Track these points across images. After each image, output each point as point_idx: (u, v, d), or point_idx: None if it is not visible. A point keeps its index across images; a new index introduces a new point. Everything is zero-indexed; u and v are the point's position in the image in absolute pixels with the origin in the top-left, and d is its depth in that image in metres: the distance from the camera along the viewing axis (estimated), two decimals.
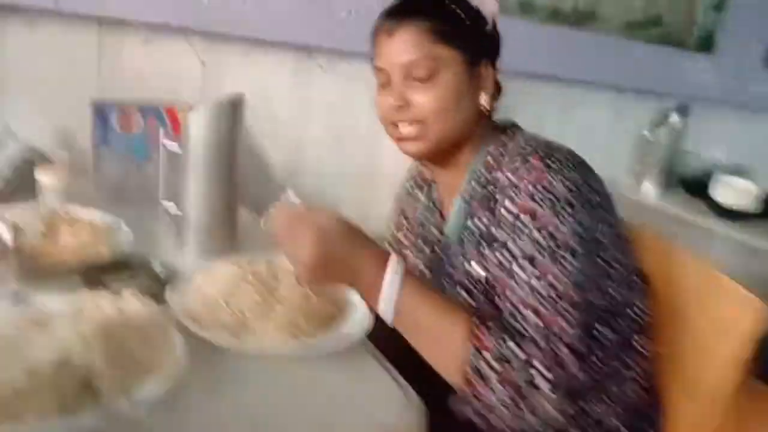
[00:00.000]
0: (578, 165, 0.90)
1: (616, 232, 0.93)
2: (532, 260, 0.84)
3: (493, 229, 0.93)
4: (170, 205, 1.26)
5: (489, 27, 1.02)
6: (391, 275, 0.83)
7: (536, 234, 0.85)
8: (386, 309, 0.83)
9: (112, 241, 1.14)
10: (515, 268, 0.86)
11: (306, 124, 1.82)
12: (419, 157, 1.04)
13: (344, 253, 0.83)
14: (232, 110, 1.18)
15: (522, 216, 0.86)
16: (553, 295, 0.82)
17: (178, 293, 0.97)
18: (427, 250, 1.12)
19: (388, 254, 0.85)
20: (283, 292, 0.95)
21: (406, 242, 1.19)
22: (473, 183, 1.00)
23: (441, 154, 1.02)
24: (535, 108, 2.05)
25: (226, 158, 1.20)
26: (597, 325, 0.87)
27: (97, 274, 1.01)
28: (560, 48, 2.08)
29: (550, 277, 0.83)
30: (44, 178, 1.29)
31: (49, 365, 0.71)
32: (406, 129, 0.99)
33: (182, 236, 1.22)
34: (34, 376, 0.70)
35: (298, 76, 1.77)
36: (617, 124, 2.36)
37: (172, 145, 1.22)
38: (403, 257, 1.17)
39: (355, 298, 0.99)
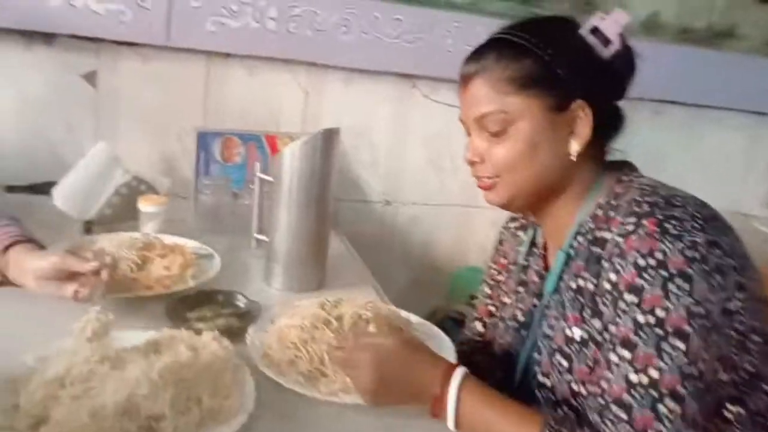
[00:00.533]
0: (706, 224, 0.76)
1: (754, 296, 0.78)
2: (632, 348, 0.73)
3: (597, 299, 0.81)
4: (261, 237, 1.24)
5: (609, 48, 0.87)
6: (455, 389, 0.79)
7: (640, 317, 0.73)
8: (452, 422, 0.79)
9: (201, 273, 1.13)
10: (612, 356, 0.75)
11: (405, 152, 1.77)
12: (503, 208, 0.94)
13: (403, 373, 0.82)
14: (326, 143, 1.15)
15: (626, 294, 0.75)
16: (654, 393, 0.71)
17: (258, 333, 0.93)
18: (527, 299, 1.00)
19: (450, 366, 0.82)
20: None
21: (504, 287, 1.08)
22: (579, 238, 0.88)
23: (529, 206, 0.93)
24: (658, 135, 1.87)
25: (318, 191, 1.16)
26: (727, 404, 0.76)
27: (182, 308, 1.00)
28: (690, 70, 1.89)
29: (651, 371, 0.71)
30: (145, 206, 1.32)
31: (115, 408, 0.69)
32: (482, 182, 0.91)
33: (271, 269, 1.19)
34: (97, 419, 0.68)
35: (399, 105, 1.72)
36: (753, 151, 2.10)
37: (266, 177, 1.20)
38: (501, 302, 1.06)
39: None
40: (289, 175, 1.14)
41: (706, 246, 0.74)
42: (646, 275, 0.73)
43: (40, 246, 1.05)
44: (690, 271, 0.72)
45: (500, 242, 1.12)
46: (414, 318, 1.04)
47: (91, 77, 1.47)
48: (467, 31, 1.61)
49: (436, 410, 0.79)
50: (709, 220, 0.77)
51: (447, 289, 1.79)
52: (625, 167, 0.91)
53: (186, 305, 1.01)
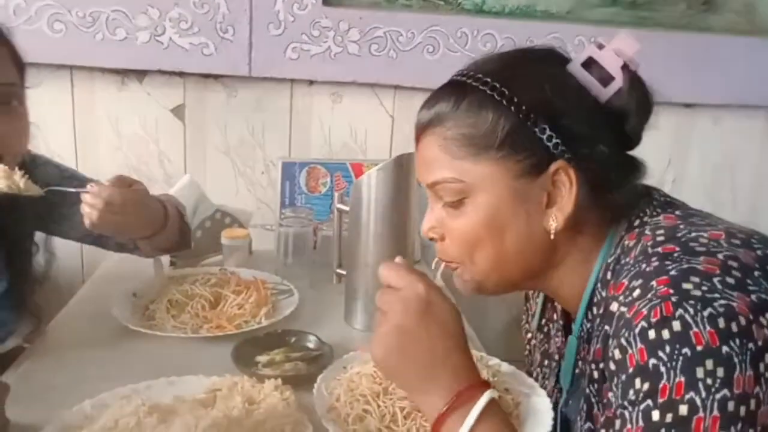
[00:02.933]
0: (747, 277, 0.55)
1: None
2: None
3: (605, 386, 0.62)
4: (342, 272, 1.16)
5: (610, 87, 0.66)
6: (478, 411, 0.61)
7: (655, 414, 0.53)
8: None
9: (276, 312, 1.07)
10: None
11: None
12: (476, 294, 0.74)
13: (429, 348, 0.64)
14: (405, 168, 1.05)
15: (636, 380, 0.55)
16: None
17: (328, 381, 0.84)
18: (552, 378, 0.83)
19: (482, 382, 0.64)
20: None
21: (536, 354, 0.91)
22: (593, 311, 0.69)
23: (513, 287, 0.74)
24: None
25: (397, 221, 1.06)
26: None
27: (250, 350, 0.93)
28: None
29: None
30: (228, 240, 1.29)
31: None
32: (447, 265, 0.73)
33: (350, 306, 1.11)
34: None
35: None
36: None
37: (344, 207, 1.12)
38: (533, 377, 0.89)
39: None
40: (366, 205, 1.05)
41: (748, 311, 0.53)
42: (661, 354, 0.53)
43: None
44: (726, 349, 0.52)
45: (525, 298, 0.95)
46: (506, 366, 0.91)
47: (179, 111, 1.48)
48: (567, 42, 1.47)
49: (440, 423, 0.62)
50: (754, 269, 0.56)
51: None
52: (641, 203, 0.69)
53: (255, 347, 0.94)
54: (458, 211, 0.68)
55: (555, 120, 0.64)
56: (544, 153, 0.65)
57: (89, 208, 0.92)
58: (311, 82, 1.49)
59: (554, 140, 0.64)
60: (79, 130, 1.47)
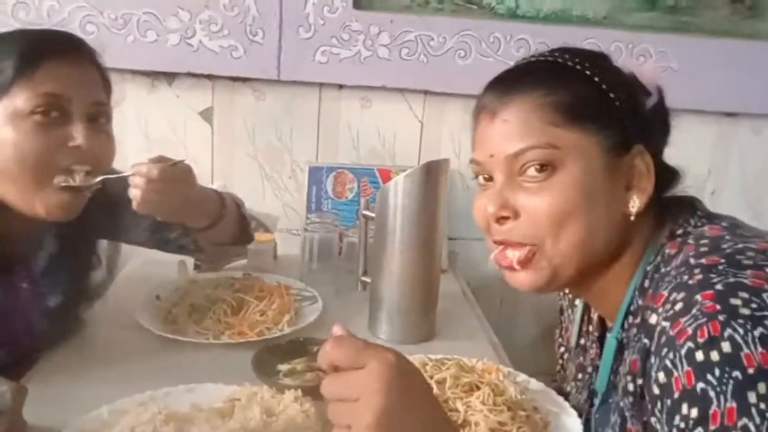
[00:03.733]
0: None
1: None
2: None
3: (650, 409, 0.57)
4: (367, 279, 1.13)
5: (650, 100, 0.67)
6: None
7: None
8: None
9: (299, 319, 1.06)
10: None
11: None
12: (538, 292, 0.69)
13: (422, 427, 0.52)
14: (433, 176, 1.02)
15: (684, 405, 0.51)
16: None
17: None
18: (585, 392, 0.79)
19: None
20: (475, 417, 0.73)
21: (566, 371, 0.86)
22: (630, 318, 0.65)
23: (573, 284, 0.69)
24: None
25: (424, 229, 1.04)
26: None
27: (271, 359, 0.91)
28: None
29: None
30: (253, 244, 1.28)
31: None
32: (511, 253, 0.66)
33: (375, 316, 1.08)
34: None
35: None
36: None
37: (370, 213, 1.10)
38: (565, 392, 0.85)
39: None
40: (392, 212, 1.02)
41: None
42: (710, 377, 0.50)
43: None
44: None
45: (560, 311, 0.91)
46: (534, 383, 0.87)
47: (207, 114, 1.48)
48: (604, 48, 1.42)
49: None
50: None
51: None
52: (684, 211, 0.67)
53: (277, 355, 0.92)
54: (544, 183, 0.64)
55: (634, 106, 0.65)
56: (626, 132, 0.65)
57: (135, 189, 0.92)
58: (340, 87, 1.47)
59: (635, 123, 0.65)
60: None
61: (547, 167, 0.63)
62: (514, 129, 0.65)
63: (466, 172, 1.55)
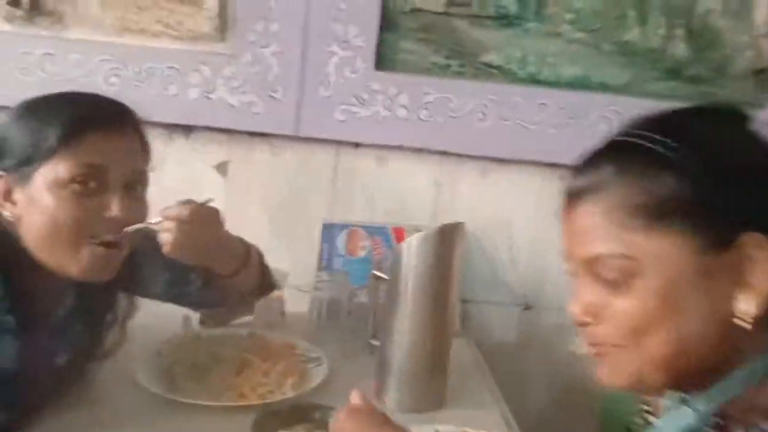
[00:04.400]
0: None
1: None
2: None
3: None
4: (377, 343, 1.09)
5: None
6: None
7: None
8: None
9: (303, 382, 1.01)
10: None
11: (551, 251, 1.55)
12: (625, 390, 0.63)
13: None
14: (448, 238, 1.00)
15: None
16: None
17: None
18: None
19: None
20: None
21: None
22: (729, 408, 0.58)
23: (680, 386, 0.61)
24: None
25: (438, 293, 1.00)
26: None
27: (272, 425, 0.87)
28: None
29: None
30: (261, 300, 1.25)
31: None
32: (597, 349, 0.61)
33: (383, 381, 1.03)
34: None
35: (544, 197, 1.53)
36: None
37: (381, 274, 1.07)
38: None
39: None
40: (405, 274, 0.99)
41: None
42: None
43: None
44: None
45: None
46: None
47: (222, 167, 1.47)
48: (624, 115, 1.40)
49: None
50: None
51: (597, 418, 1.50)
52: None
53: (277, 421, 0.88)
54: (625, 288, 0.57)
55: (744, 185, 0.56)
56: (731, 222, 0.55)
57: (165, 233, 0.91)
58: (357, 145, 1.47)
59: (744, 209, 0.55)
60: None
61: (624, 277, 0.57)
62: (586, 232, 0.59)
63: (480, 234, 1.52)
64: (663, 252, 0.56)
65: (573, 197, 0.61)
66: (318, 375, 1.04)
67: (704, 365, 0.57)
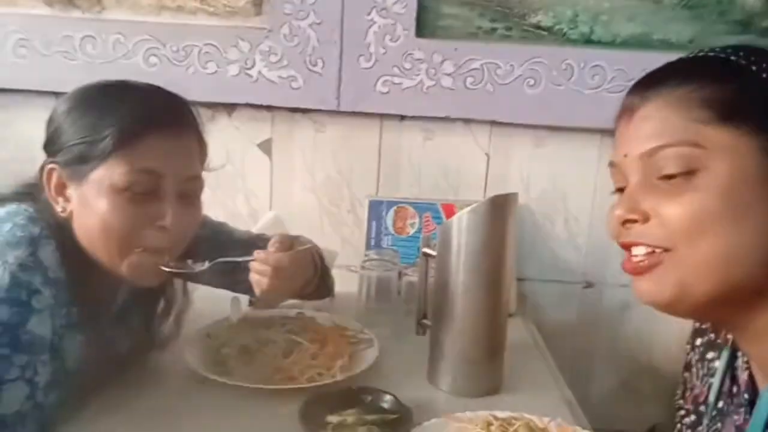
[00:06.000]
0: None
1: None
2: None
3: None
4: (427, 323, 1.05)
5: None
6: None
7: None
8: None
9: (354, 364, 0.98)
10: None
11: None
12: (665, 310, 0.59)
13: None
14: (499, 211, 0.94)
15: None
16: None
17: None
18: None
19: None
20: None
21: None
22: None
23: (713, 311, 0.59)
24: None
25: (490, 270, 0.95)
26: None
27: (321, 409, 0.83)
28: None
29: None
30: None
31: None
32: (636, 257, 0.59)
33: (435, 364, 0.99)
34: None
35: (602, 167, 1.44)
36: None
37: (431, 251, 1.02)
38: None
39: None
40: (455, 251, 0.94)
41: None
42: None
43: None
44: None
45: (686, 367, 0.78)
46: None
47: (266, 146, 1.44)
48: None
49: None
50: None
51: (670, 401, 1.42)
52: None
53: (327, 405, 0.84)
54: (683, 186, 0.56)
55: None
56: None
57: (259, 276, 0.91)
58: (402, 118, 1.41)
59: None
60: None
61: (687, 169, 0.56)
62: (652, 125, 0.58)
63: (536, 208, 1.45)
64: (731, 147, 0.55)
65: (638, 102, 0.60)
66: (368, 357, 1.00)
67: (750, 285, 0.55)
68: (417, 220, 1.42)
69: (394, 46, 1.34)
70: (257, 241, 1.10)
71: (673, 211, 0.56)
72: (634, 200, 0.59)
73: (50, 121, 0.85)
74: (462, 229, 0.93)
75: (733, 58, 0.58)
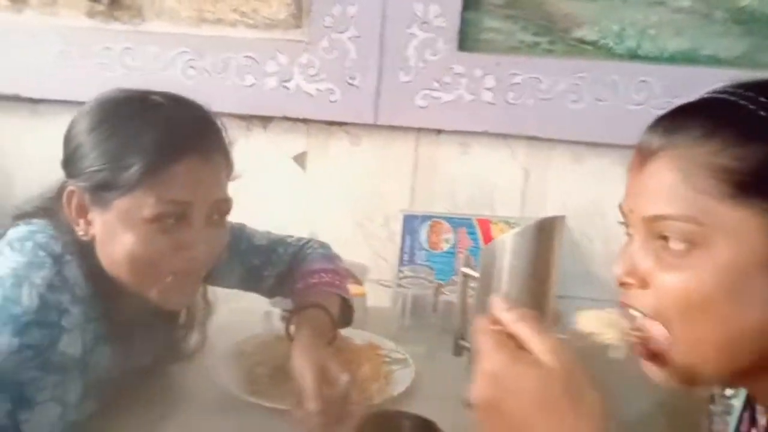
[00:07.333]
0: None
1: None
2: None
3: None
4: (466, 344, 1.02)
5: None
6: None
7: None
8: None
9: (389, 385, 0.95)
10: None
11: None
12: (675, 384, 0.57)
13: (524, 424, 0.50)
14: (547, 234, 0.90)
15: None
16: None
17: None
18: None
19: None
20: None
21: None
22: None
23: (722, 379, 0.57)
24: None
25: (535, 293, 0.91)
26: None
27: None
28: None
29: None
30: None
31: None
32: (643, 342, 0.56)
33: None
34: None
35: None
36: None
37: (471, 272, 0.99)
38: None
39: None
40: (498, 273, 0.91)
41: None
42: None
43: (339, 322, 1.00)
44: None
45: (711, 399, 0.74)
46: None
47: (301, 159, 1.43)
48: None
49: None
50: None
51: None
52: None
53: (364, 430, 0.82)
54: (683, 259, 0.52)
55: None
56: None
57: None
58: (439, 132, 1.39)
59: None
60: None
61: (688, 244, 0.51)
62: (658, 190, 0.53)
63: (575, 226, 1.41)
64: (739, 226, 0.50)
65: (649, 152, 0.55)
66: (404, 378, 0.98)
67: (760, 361, 0.52)
68: (452, 236, 1.39)
69: (435, 60, 1.32)
70: (277, 246, 1.09)
71: (668, 284, 0.53)
72: (633, 263, 0.56)
73: (69, 138, 0.82)
74: (507, 251, 0.90)
75: (749, 106, 0.51)
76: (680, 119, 0.55)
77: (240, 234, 1.08)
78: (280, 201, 1.46)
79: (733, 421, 0.66)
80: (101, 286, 0.80)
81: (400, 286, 1.19)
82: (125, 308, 0.86)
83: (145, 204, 0.76)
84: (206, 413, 0.91)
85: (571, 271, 1.43)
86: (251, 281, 1.08)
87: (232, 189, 1.42)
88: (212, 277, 1.03)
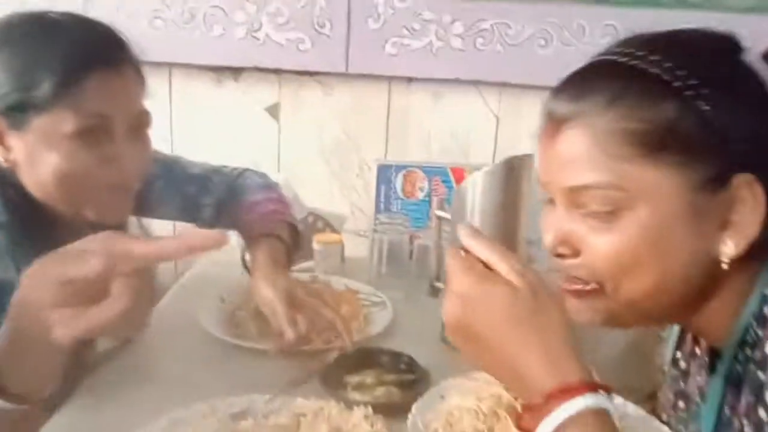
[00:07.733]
0: None
1: None
2: None
3: None
4: (440, 285, 1.05)
5: None
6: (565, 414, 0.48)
7: None
8: None
9: (368, 326, 0.99)
10: None
11: None
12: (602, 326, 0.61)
13: (494, 340, 0.52)
14: (515, 172, 0.93)
15: None
16: None
17: (423, 412, 0.74)
18: (693, 424, 0.67)
19: (587, 383, 0.49)
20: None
21: (668, 394, 0.75)
22: (745, 351, 0.55)
23: (649, 320, 0.61)
24: None
25: (506, 232, 0.94)
26: None
27: (340, 370, 0.84)
28: None
29: None
30: (320, 244, 1.23)
31: None
32: (572, 283, 0.58)
33: None
34: None
35: None
36: None
37: (444, 214, 1.02)
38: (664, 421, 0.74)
39: None
40: (470, 213, 0.94)
41: None
42: None
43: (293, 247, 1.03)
44: None
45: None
46: (632, 408, 0.77)
47: (273, 110, 1.43)
48: None
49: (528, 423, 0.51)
50: None
51: None
52: None
53: (345, 366, 0.85)
54: (608, 225, 0.55)
55: (742, 122, 0.52)
56: (728, 160, 0.52)
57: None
58: (410, 80, 1.40)
59: (742, 147, 0.52)
60: (175, 128, 1.46)
61: (611, 209, 0.54)
62: (573, 159, 0.56)
63: None
64: (656, 185, 0.53)
65: (557, 121, 0.57)
66: (382, 319, 1.02)
67: (682, 303, 0.56)
68: (426, 184, 1.41)
69: (403, 6, 1.32)
70: (213, 175, 1.11)
71: (599, 249, 0.55)
72: (562, 232, 0.58)
73: None
74: (477, 191, 0.92)
75: (656, 71, 0.53)
76: (585, 85, 0.56)
77: (175, 164, 1.08)
78: (254, 153, 1.46)
79: (671, 342, 0.72)
80: (25, 214, 0.80)
81: (375, 231, 1.22)
82: (59, 236, 0.85)
83: (64, 120, 0.76)
84: (190, 357, 0.92)
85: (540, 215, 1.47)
86: (189, 210, 1.09)
87: (207, 141, 1.43)
88: (150, 207, 1.04)
